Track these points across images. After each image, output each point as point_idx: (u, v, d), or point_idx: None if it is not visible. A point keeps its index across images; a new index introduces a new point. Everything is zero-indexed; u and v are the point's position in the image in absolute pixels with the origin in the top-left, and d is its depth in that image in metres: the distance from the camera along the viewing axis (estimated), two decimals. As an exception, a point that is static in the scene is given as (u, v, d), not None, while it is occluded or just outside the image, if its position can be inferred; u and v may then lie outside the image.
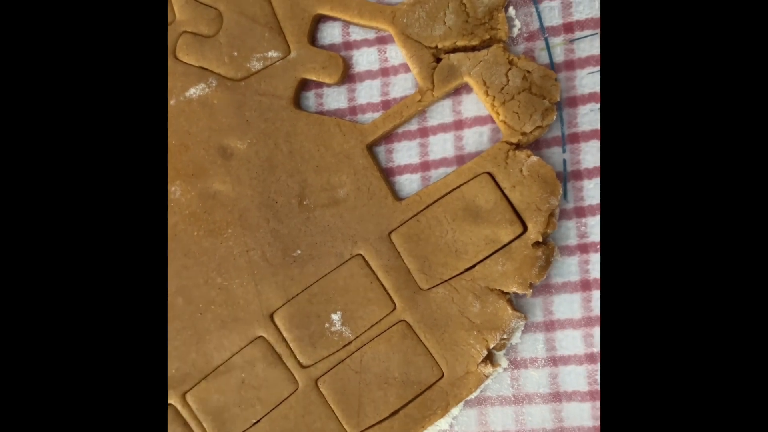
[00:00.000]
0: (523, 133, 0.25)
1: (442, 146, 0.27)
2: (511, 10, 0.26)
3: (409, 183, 0.27)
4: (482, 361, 0.26)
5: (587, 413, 0.25)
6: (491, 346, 0.25)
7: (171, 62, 0.28)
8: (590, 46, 0.25)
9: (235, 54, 0.28)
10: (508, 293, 0.26)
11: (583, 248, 0.25)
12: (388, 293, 0.27)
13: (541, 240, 0.25)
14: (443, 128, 0.27)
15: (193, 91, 0.28)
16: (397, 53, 0.27)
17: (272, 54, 0.28)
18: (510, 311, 0.25)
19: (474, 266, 0.26)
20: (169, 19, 0.29)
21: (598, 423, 0.25)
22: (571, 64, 0.25)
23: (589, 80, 0.25)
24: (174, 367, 0.28)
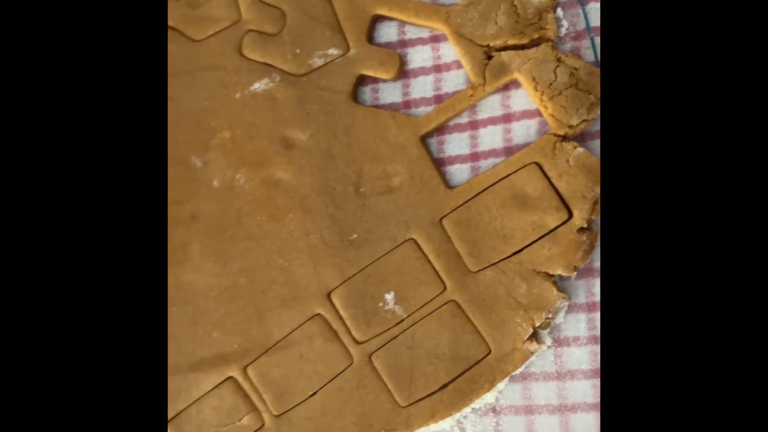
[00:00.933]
0: (570, 126, 0.27)
1: (491, 138, 0.29)
2: (559, 11, 0.28)
3: (459, 172, 0.29)
4: (528, 339, 0.27)
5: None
6: (537, 324, 0.27)
7: (237, 59, 0.31)
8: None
9: (298, 51, 0.30)
10: (553, 275, 0.27)
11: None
12: (438, 275, 0.28)
13: (585, 226, 0.27)
14: (492, 121, 0.29)
15: (258, 86, 0.30)
16: (449, 51, 0.29)
17: (332, 51, 0.30)
18: (555, 292, 0.27)
19: (521, 250, 0.27)
20: (235, 18, 0.31)
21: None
22: (615, 62, 0.27)
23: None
24: (236, 342, 0.30)
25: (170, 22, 0.32)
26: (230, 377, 0.30)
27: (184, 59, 0.31)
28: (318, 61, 0.30)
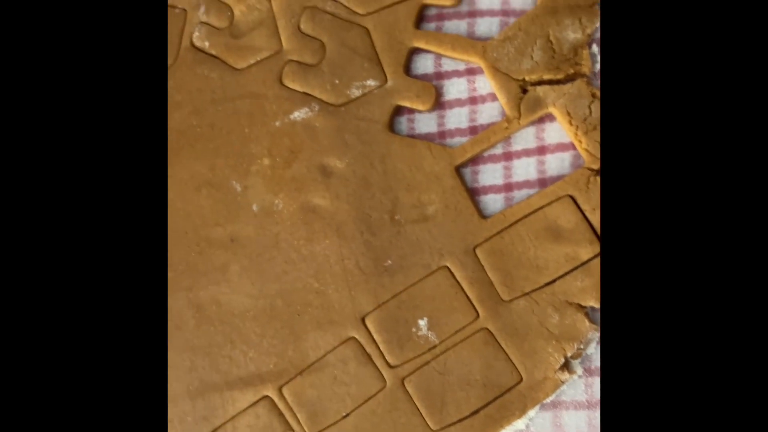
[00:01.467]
0: (604, 161, 0.27)
1: (525, 169, 0.29)
2: (594, 47, 0.28)
3: (493, 202, 0.30)
4: (559, 368, 0.28)
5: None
6: (568, 354, 0.28)
7: (277, 88, 0.32)
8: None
9: (337, 82, 0.31)
10: (585, 307, 0.28)
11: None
12: (471, 303, 0.29)
13: (618, 259, 0.27)
14: (527, 153, 0.29)
15: (297, 114, 0.31)
16: (485, 84, 0.30)
17: (370, 82, 0.31)
18: (587, 324, 0.27)
19: (554, 281, 0.28)
20: (276, 48, 0.32)
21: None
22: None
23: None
24: (272, 363, 0.31)
25: (213, 51, 0.33)
26: (266, 396, 0.31)
27: (226, 87, 0.32)
28: (356, 92, 0.31)
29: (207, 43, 0.33)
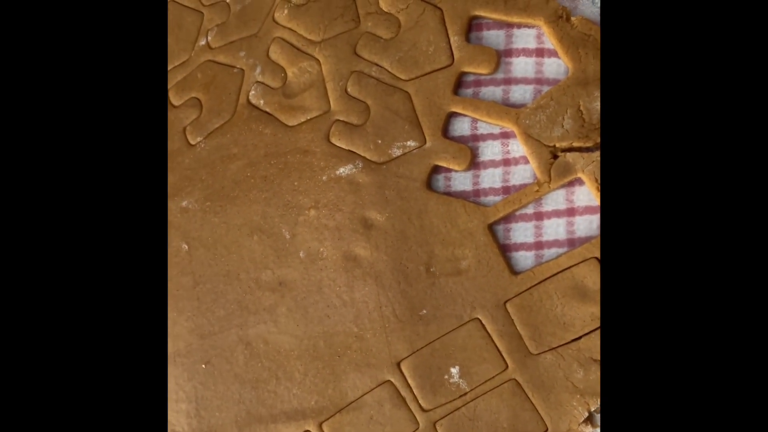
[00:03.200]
0: (630, 227, 0.29)
1: (555, 229, 0.31)
2: (623, 117, 0.30)
3: (523, 259, 0.31)
4: (583, 422, 0.29)
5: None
6: (592, 409, 0.29)
7: (325, 145, 0.34)
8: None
9: (380, 141, 0.33)
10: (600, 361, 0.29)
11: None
12: (501, 354, 0.31)
13: (642, 321, 0.28)
14: (557, 214, 0.31)
15: (342, 170, 0.34)
16: (518, 147, 0.32)
17: (410, 143, 0.33)
18: (611, 380, 0.29)
19: (580, 338, 0.29)
20: (325, 109, 0.35)
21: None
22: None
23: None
24: (314, 400, 0.34)
25: (267, 109, 0.36)
26: (307, 431, 0.33)
27: (279, 143, 0.35)
28: (397, 151, 0.33)
29: (262, 101, 0.36)
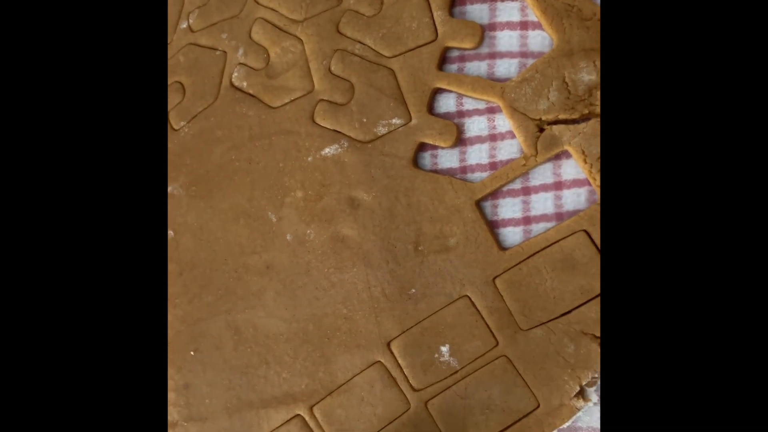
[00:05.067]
0: (618, 198, 0.28)
1: (542, 204, 0.31)
2: (609, 88, 0.29)
3: (512, 235, 0.31)
4: (575, 396, 0.29)
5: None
6: (583, 383, 0.29)
7: (309, 125, 0.34)
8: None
9: (365, 120, 0.33)
10: (599, 337, 0.29)
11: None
12: (491, 331, 0.30)
13: (631, 292, 0.28)
14: (544, 188, 0.31)
15: (328, 151, 0.33)
16: (504, 122, 0.31)
17: (396, 121, 0.32)
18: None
19: (570, 312, 0.29)
20: (309, 89, 0.34)
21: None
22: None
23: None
24: (304, 384, 0.33)
25: (250, 90, 0.35)
26: (298, 415, 0.33)
27: (262, 124, 0.35)
28: (382, 130, 0.33)
29: (245, 83, 0.35)
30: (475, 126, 0.32)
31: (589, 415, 0.29)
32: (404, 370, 0.32)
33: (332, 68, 0.34)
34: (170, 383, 0.35)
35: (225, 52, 0.36)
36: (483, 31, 0.32)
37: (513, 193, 0.31)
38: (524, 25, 0.31)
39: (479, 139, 0.32)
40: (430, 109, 0.32)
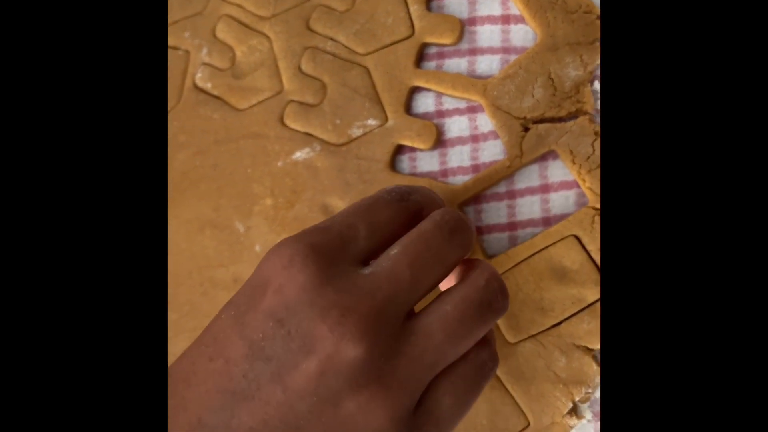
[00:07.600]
0: (609, 200, 0.27)
1: (529, 208, 0.29)
2: (596, 84, 0.28)
3: (497, 241, 0.29)
4: (567, 413, 0.27)
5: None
6: (576, 399, 0.27)
7: (279, 128, 0.32)
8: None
9: (338, 122, 0.31)
10: (592, 350, 0.27)
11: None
12: (477, 345, 0.28)
13: (625, 301, 0.26)
14: (531, 191, 0.29)
15: (299, 155, 0.31)
16: (486, 121, 0.29)
17: (371, 122, 0.30)
18: (595, 367, 0.27)
19: (560, 323, 0.27)
20: (278, 89, 0.32)
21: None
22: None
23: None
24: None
25: (215, 92, 0.33)
26: None
27: (229, 128, 0.33)
28: (357, 132, 0.30)
29: (210, 84, 0.33)
30: (456, 126, 0.30)
31: (583, 433, 0.28)
32: (384, 389, 0.29)
33: (303, 67, 0.31)
34: (131, 409, 0.32)
35: (188, 51, 0.34)
36: (462, 26, 0.30)
37: (497, 197, 0.29)
38: (506, 19, 0.29)
39: (460, 140, 0.30)
40: (408, 109, 0.30)
